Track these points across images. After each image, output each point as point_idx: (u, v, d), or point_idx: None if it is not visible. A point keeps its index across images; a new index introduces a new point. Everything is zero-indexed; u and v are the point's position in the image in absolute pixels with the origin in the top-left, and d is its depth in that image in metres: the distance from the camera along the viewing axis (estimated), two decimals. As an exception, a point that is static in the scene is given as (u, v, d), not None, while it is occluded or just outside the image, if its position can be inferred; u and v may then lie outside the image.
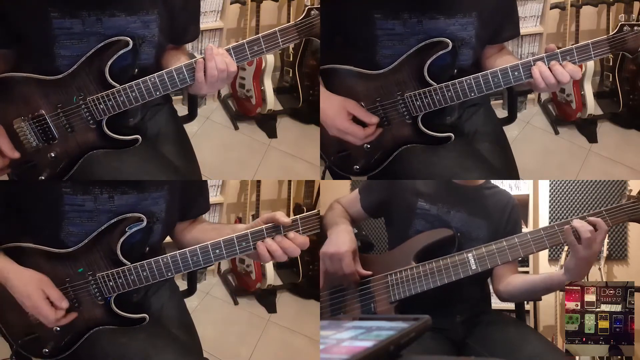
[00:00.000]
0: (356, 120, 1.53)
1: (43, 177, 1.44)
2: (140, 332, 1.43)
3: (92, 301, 1.41)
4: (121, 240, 1.39)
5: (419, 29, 1.49)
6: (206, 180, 1.72)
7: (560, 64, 1.43)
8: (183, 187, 1.53)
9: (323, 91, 1.56)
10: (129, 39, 1.40)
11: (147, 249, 1.48)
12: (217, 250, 1.37)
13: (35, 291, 1.36)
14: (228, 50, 1.42)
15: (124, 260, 1.40)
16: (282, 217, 1.35)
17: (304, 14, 1.46)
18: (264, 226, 1.36)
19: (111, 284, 1.40)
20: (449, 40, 1.48)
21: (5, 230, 1.43)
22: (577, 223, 1.43)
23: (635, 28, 1.44)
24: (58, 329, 1.40)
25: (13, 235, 1.42)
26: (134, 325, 1.43)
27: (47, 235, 1.41)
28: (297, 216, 1.37)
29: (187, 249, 1.38)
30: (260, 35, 1.44)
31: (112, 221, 1.40)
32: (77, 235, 1.40)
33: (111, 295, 1.40)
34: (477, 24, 1.52)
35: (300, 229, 1.37)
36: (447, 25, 1.50)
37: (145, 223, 1.41)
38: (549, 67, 1.43)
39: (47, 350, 1.41)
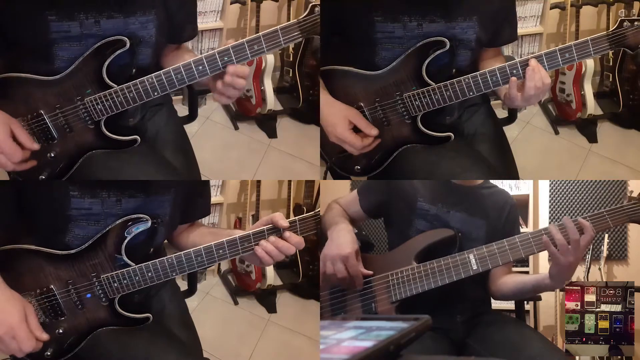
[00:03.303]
0: (356, 129, 1.53)
1: (43, 177, 1.44)
2: (142, 332, 1.43)
3: (97, 302, 1.40)
4: (126, 241, 1.39)
5: (419, 32, 1.49)
6: (209, 183, 1.72)
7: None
8: (186, 190, 1.52)
9: (325, 95, 1.55)
10: (126, 39, 1.40)
11: (152, 250, 1.48)
12: (220, 251, 1.40)
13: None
14: (227, 50, 1.39)
15: (129, 262, 1.40)
16: (281, 219, 1.39)
17: (307, 12, 1.41)
18: (264, 227, 1.40)
19: (116, 285, 1.40)
20: (446, 40, 1.48)
21: (10, 230, 1.41)
22: (553, 230, 1.43)
23: (636, 23, 1.42)
24: (61, 331, 1.39)
25: (16, 236, 1.40)
26: (138, 325, 1.43)
27: (52, 238, 1.40)
28: (296, 218, 1.40)
29: (191, 250, 1.39)
30: (260, 34, 1.40)
31: (116, 222, 1.39)
32: (82, 238, 1.40)
33: (115, 296, 1.40)
34: (477, 28, 1.52)
35: (298, 230, 1.41)
36: (448, 29, 1.49)
37: (150, 224, 1.41)
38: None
39: (49, 354, 1.39)
